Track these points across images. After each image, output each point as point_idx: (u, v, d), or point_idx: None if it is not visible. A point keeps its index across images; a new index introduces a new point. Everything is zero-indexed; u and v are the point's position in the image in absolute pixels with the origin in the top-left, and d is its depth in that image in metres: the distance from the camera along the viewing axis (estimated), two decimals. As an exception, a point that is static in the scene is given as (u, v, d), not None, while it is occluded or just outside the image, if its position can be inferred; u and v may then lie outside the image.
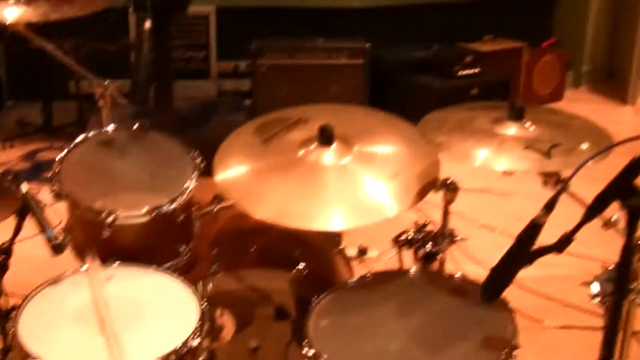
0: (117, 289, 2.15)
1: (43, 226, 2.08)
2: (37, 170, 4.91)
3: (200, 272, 2.41)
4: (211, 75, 5.78)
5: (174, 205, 2.36)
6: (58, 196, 2.40)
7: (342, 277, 2.60)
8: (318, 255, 2.64)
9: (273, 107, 2.56)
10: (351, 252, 2.95)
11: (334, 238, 2.80)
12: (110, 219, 2.28)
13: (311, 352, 1.98)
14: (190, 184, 2.45)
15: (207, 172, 2.46)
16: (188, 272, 2.29)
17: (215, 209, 2.62)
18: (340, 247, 2.79)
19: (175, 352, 1.95)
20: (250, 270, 2.45)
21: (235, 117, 4.87)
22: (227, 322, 2.56)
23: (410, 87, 5.48)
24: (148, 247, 2.37)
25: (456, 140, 2.30)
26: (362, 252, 3.20)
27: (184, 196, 2.40)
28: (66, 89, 5.68)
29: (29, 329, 2.00)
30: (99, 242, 2.30)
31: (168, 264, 2.35)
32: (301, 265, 2.43)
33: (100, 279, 2.17)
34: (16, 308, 2.07)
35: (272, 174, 2.27)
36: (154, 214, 2.34)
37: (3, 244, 2.16)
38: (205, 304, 2.11)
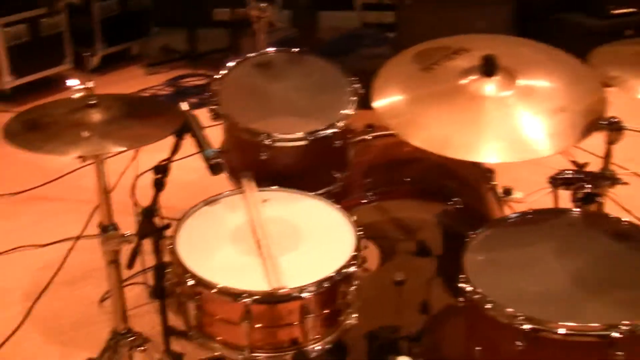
0: (273, 212, 2.14)
1: (202, 145, 2.07)
2: (180, 96, 4.99)
3: (353, 200, 2.37)
4: (355, 6, 5.70)
5: (331, 131, 2.32)
6: (216, 116, 2.40)
7: (494, 214, 2.52)
8: (471, 190, 2.56)
9: (416, 41, 2.48)
10: (497, 191, 2.86)
11: (486, 174, 2.71)
12: (268, 141, 2.27)
13: (468, 288, 1.92)
14: (349, 110, 2.40)
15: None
16: (341, 200, 2.25)
17: (368, 138, 2.58)
18: (493, 183, 2.70)
19: (330, 278, 1.92)
20: (401, 201, 2.39)
21: (379, 49, 4.79)
22: (371, 254, 2.53)
23: (560, 26, 5.23)
24: (303, 171, 2.35)
25: (631, 75, 2.16)
26: (507, 192, 3.09)
27: (342, 122, 2.36)
28: (210, 16, 5.73)
29: (187, 246, 2.02)
30: (256, 165, 2.30)
31: (322, 190, 2.32)
32: (455, 198, 2.36)
33: (257, 201, 2.16)
34: (173, 226, 2.09)
35: (431, 103, 2.20)
36: (312, 138, 2.31)
37: (161, 162, 2.19)
38: (361, 232, 2.07)
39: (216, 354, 2.01)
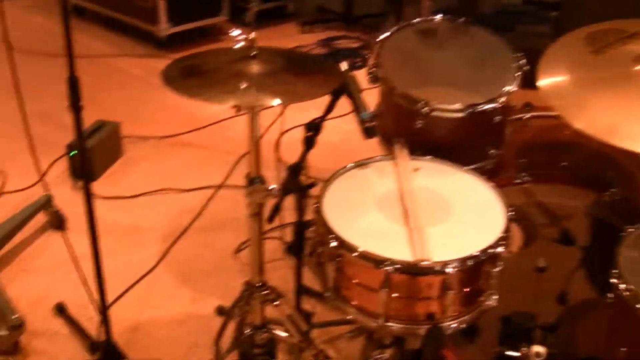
0: (423, 182, 2.08)
1: (359, 107, 2.03)
2: (332, 57, 4.96)
3: (505, 179, 2.28)
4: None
5: (492, 106, 2.23)
6: (374, 79, 2.35)
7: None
8: (631, 182, 2.42)
9: (581, 22, 2.34)
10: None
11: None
12: (425, 110, 2.21)
13: (620, 285, 1.82)
14: (512, 86, 2.30)
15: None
16: (492, 178, 2.16)
17: (526, 117, 2.48)
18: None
19: (475, 256, 1.85)
20: (554, 185, 2.29)
21: (539, 27, 4.62)
22: (514, 236, 2.44)
23: None
24: (458, 144, 2.27)
25: None
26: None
27: (504, 98, 2.26)
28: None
29: (333, 206, 1.99)
30: (410, 132, 2.24)
31: (475, 165, 2.24)
32: (613, 189, 2.24)
33: (408, 169, 2.10)
34: (320, 185, 2.06)
35: (600, 87, 2.08)
36: (470, 111, 2.23)
37: (314, 119, 2.16)
38: (512, 212, 1.99)
39: (349, 317, 1.98)
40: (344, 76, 2.01)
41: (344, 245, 1.88)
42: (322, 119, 2.18)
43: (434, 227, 1.93)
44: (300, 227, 2.39)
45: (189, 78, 1.96)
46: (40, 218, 3.15)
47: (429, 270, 1.83)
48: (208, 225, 3.22)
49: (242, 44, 2.03)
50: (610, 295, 1.87)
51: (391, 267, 1.81)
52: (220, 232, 3.19)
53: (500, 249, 1.90)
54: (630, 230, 1.97)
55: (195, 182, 3.48)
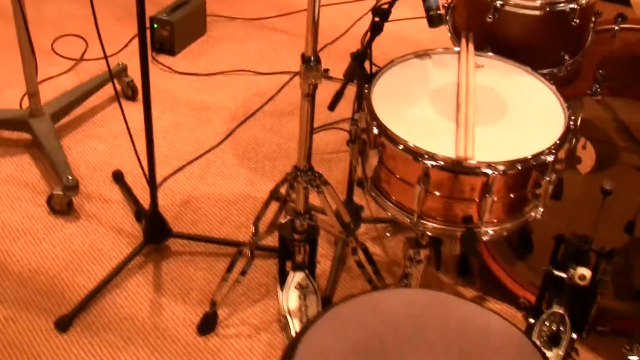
0: (484, 80, 1.95)
1: (426, -5, 1.91)
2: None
3: (578, 89, 2.12)
4: None
5: (572, 6, 2.05)
6: None
7: None
8: None
9: None
10: None
11: None
12: (499, 3, 2.04)
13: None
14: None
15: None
16: (564, 86, 2.01)
17: (616, 27, 2.28)
18: None
19: (523, 161, 1.73)
20: (633, 101, 2.11)
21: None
22: (587, 157, 2.30)
23: None
24: (530, 45, 2.10)
25: None
26: None
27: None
28: None
29: (384, 93, 1.89)
30: (479, 27, 2.09)
31: (546, 70, 2.08)
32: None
33: (471, 65, 1.97)
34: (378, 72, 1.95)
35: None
36: (548, 9, 2.05)
37: (382, 3, 2.04)
38: (574, 123, 1.84)
39: (389, 213, 1.89)
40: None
41: (385, 133, 1.78)
42: (391, 3, 2.06)
43: (485, 126, 1.80)
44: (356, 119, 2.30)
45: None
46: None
47: (470, 170, 1.71)
48: (278, 111, 3.16)
49: None
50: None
51: (430, 162, 1.71)
52: (288, 118, 3.13)
53: (551, 157, 1.76)
54: None
55: (273, 67, 3.41)
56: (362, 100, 2.22)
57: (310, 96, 2.02)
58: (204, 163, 2.86)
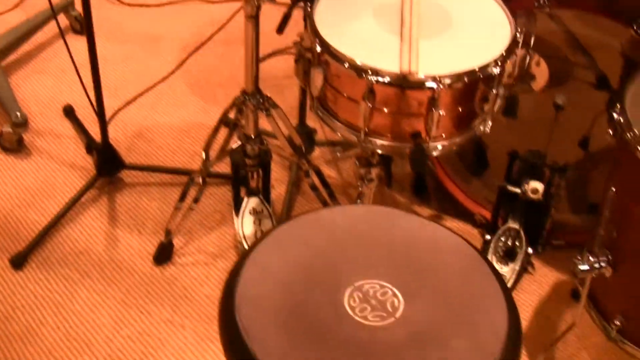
0: (427, -8, 1.90)
1: None
2: None
3: (525, 1, 2.07)
4: None
5: None
6: None
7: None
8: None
9: None
10: None
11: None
12: None
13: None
14: None
15: None
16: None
17: None
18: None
19: (469, 73, 1.70)
20: (582, 13, 2.08)
21: None
22: (541, 74, 2.26)
23: None
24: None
25: None
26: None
27: None
28: None
29: (326, 10, 1.84)
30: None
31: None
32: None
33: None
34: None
35: None
36: None
37: None
38: (524, 37, 1.81)
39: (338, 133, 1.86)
40: None
41: (328, 51, 1.74)
42: None
43: (429, 40, 1.77)
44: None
45: None
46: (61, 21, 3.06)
47: (415, 84, 1.68)
48: (230, 39, 3.09)
49: None
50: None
51: (375, 77, 1.67)
52: (240, 46, 3.04)
53: (497, 70, 1.73)
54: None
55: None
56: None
57: (254, 18, 1.97)
58: (156, 94, 2.81)
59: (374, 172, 1.98)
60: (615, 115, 1.66)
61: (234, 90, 2.79)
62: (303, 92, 2.41)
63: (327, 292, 1.27)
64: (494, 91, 1.76)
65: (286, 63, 2.93)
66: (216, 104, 2.75)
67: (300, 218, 1.44)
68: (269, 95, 2.09)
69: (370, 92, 1.70)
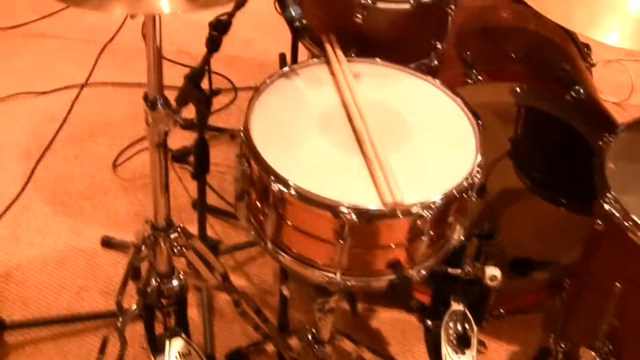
0: (369, 92, 1.57)
1: (286, 3, 1.49)
2: None
3: (454, 78, 1.79)
4: None
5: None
6: None
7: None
8: (582, 74, 1.98)
9: None
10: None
11: (584, 49, 2.15)
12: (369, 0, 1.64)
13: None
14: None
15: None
16: (440, 77, 1.67)
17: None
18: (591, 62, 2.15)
19: (458, 189, 1.39)
20: (511, 82, 1.82)
21: None
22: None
23: None
24: (400, 39, 1.74)
25: None
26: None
27: None
28: None
29: (264, 133, 1.45)
30: (343, 27, 1.69)
31: (415, 64, 1.74)
32: (577, 86, 1.79)
33: (349, 76, 1.58)
34: (249, 101, 1.51)
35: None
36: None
37: (221, 15, 1.61)
38: (480, 122, 1.52)
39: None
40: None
41: (287, 187, 1.35)
42: (232, 15, 1.63)
43: (393, 153, 1.43)
44: (202, 147, 1.88)
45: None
46: None
47: (400, 215, 1.34)
48: (76, 135, 2.59)
49: None
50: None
51: (354, 215, 1.32)
52: (91, 141, 2.57)
53: (479, 175, 1.43)
54: (608, 139, 1.57)
55: (54, 82, 2.78)
56: (201, 126, 1.82)
57: (162, 145, 1.55)
58: (12, 221, 2.27)
59: (333, 300, 1.63)
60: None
61: (102, 200, 2.34)
62: (202, 199, 2.01)
63: None
64: (473, 196, 1.46)
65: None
66: (85, 219, 2.28)
67: None
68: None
69: (348, 230, 1.34)
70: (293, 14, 1.49)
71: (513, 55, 1.90)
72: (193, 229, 2.16)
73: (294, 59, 2.06)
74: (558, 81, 1.79)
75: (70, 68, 2.85)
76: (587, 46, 2.14)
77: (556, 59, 1.89)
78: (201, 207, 2.03)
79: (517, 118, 1.88)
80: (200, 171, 1.92)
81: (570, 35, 2.12)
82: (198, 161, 1.89)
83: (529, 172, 2.02)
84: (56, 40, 3.02)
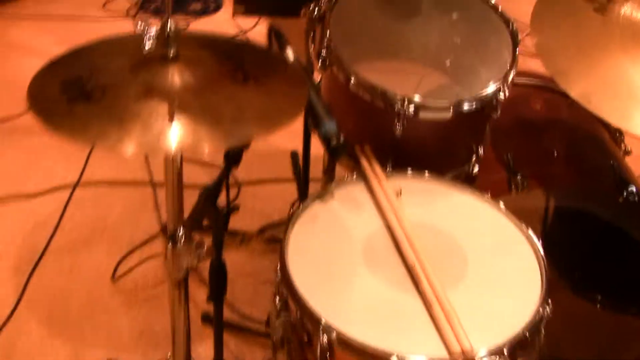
0: (415, 214, 1.40)
1: (320, 117, 1.32)
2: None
3: (492, 183, 1.63)
4: None
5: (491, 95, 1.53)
6: (325, 64, 1.55)
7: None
8: (629, 173, 1.82)
9: None
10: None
11: (617, 135, 2.01)
12: (409, 111, 1.47)
13: None
14: (512, 67, 1.58)
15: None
16: (481, 185, 1.50)
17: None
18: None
19: (530, 329, 1.22)
20: (558, 187, 1.65)
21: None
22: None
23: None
24: (440, 148, 1.57)
25: None
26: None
27: (504, 85, 1.55)
28: None
29: (307, 274, 1.27)
30: (380, 139, 1.52)
31: (454, 172, 1.57)
32: (632, 189, 1.63)
33: (392, 196, 1.40)
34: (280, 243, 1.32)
35: (600, 50, 1.46)
36: (469, 106, 1.51)
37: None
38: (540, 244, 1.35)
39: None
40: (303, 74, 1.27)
41: (340, 338, 1.17)
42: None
43: (452, 289, 1.25)
44: (220, 270, 1.68)
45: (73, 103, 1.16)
46: None
47: (473, 365, 1.16)
48: (70, 243, 2.37)
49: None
50: None
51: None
52: (87, 250, 2.36)
53: (548, 309, 1.26)
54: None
55: (43, 183, 2.57)
56: (218, 246, 1.62)
57: (183, 281, 1.37)
58: (4, 344, 2.04)
59: None
60: None
61: (103, 319, 2.13)
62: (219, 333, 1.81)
63: None
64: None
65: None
66: (86, 342, 2.06)
67: None
68: None
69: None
70: (329, 130, 1.32)
71: (555, 152, 1.74)
72: (204, 347, 1.99)
73: (306, 157, 1.88)
74: (606, 180, 1.63)
75: (59, 166, 2.65)
76: (620, 131, 2.01)
77: (599, 154, 1.73)
78: (218, 331, 1.82)
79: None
80: (218, 296, 1.73)
81: (601, 121, 1.98)
82: (214, 286, 1.69)
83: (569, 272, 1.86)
84: (43, 136, 2.79)
